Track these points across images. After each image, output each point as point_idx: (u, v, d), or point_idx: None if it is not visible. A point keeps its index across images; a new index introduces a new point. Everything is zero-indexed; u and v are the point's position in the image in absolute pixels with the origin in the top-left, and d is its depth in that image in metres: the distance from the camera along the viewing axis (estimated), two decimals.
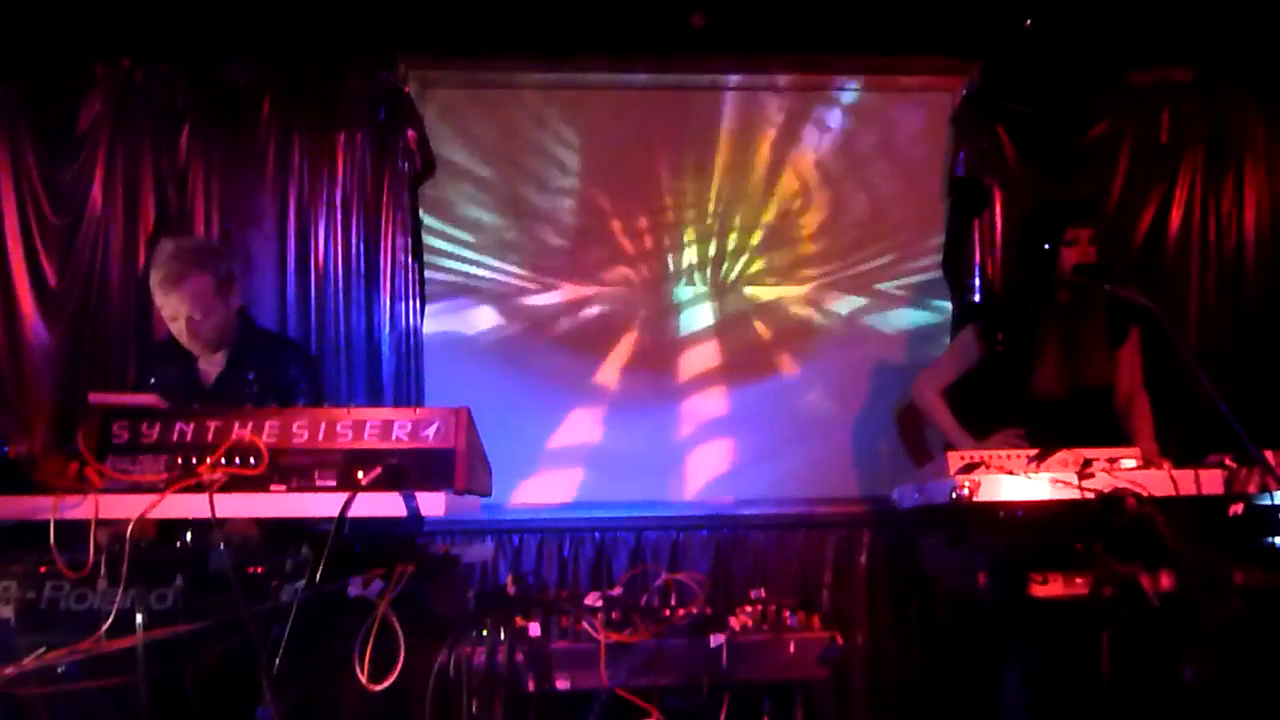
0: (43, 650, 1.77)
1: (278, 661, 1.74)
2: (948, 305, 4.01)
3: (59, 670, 1.85)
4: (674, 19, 3.68)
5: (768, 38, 3.86)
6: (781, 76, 4.02)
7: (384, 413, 1.93)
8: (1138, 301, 2.86)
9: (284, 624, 1.74)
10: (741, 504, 3.88)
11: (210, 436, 1.90)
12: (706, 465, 3.93)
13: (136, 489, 1.82)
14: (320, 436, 1.90)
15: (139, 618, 1.79)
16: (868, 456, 3.94)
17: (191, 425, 1.91)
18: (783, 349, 3.99)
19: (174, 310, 2.74)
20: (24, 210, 3.72)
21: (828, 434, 3.96)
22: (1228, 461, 2.34)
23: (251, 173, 3.80)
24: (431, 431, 1.90)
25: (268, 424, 1.90)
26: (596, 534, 3.79)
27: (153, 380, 2.88)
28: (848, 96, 4.07)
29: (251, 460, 1.85)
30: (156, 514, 1.78)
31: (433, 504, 1.82)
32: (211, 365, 2.88)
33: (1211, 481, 2.32)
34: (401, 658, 1.81)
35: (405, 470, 1.85)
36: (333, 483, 1.85)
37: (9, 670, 1.75)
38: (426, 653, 2.18)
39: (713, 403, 3.96)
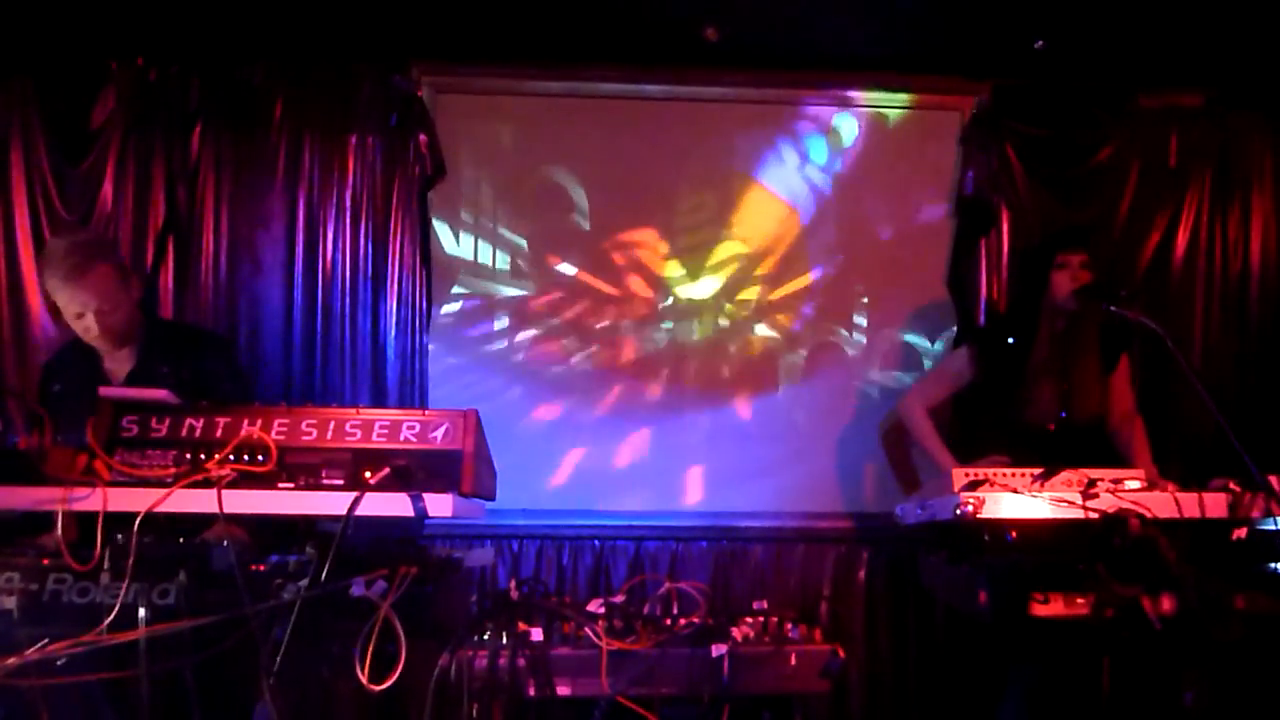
0: (44, 643, 1.77)
1: (278, 660, 1.74)
2: (952, 325, 4.01)
3: (59, 663, 1.85)
4: (687, 33, 3.70)
5: (779, 53, 3.89)
6: (791, 92, 4.04)
7: (393, 413, 1.94)
8: (1141, 323, 2.86)
9: (285, 623, 1.74)
10: (741, 516, 3.87)
11: (219, 433, 1.91)
12: (707, 477, 3.93)
13: (144, 483, 1.82)
14: (329, 435, 1.91)
15: (141, 612, 1.79)
16: (869, 473, 3.94)
17: (201, 421, 1.92)
18: (786, 364, 4.00)
19: (81, 304, 2.63)
20: (35, 205, 3.73)
21: (828, 450, 3.96)
22: (1232, 486, 2.34)
23: (262, 174, 3.82)
24: (440, 433, 1.91)
25: (277, 421, 1.91)
26: (596, 542, 3.79)
27: (56, 388, 2.78)
28: (858, 113, 4.08)
29: (260, 457, 1.86)
30: (164, 509, 1.78)
31: (440, 505, 1.82)
32: (118, 363, 2.79)
33: (1216, 505, 2.32)
34: (402, 659, 1.81)
35: (413, 471, 1.85)
36: (340, 481, 1.86)
37: (10, 661, 1.75)
38: (427, 655, 2.18)
39: (714, 416, 3.96)
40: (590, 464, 3.90)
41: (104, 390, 1.97)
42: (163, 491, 1.78)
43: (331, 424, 1.92)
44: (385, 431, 1.91)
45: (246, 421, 1.91)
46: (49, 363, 2.99)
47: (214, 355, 2.86)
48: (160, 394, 1.96)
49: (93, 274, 2.62)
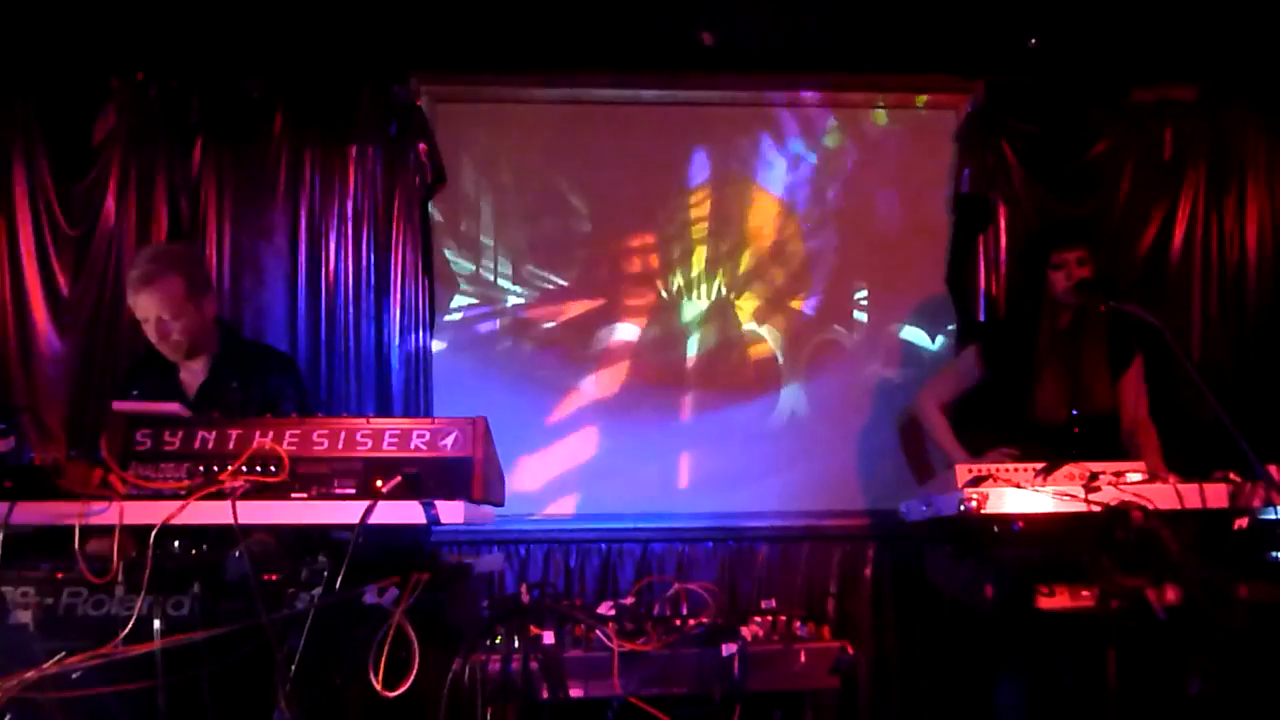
0: (60, 656, 1.79)
1: (293, 669, 1.76)
2: (952, 322, 4.04)
3: (74, 677, 1.87)
4: (683, 37, 3.72)
5: (775, 56, 3.91)
6: (788, 94, 4.07)
7: (403, 422, 1.96)
8: (1141, 317, 2.87)
9: (300, 632, 1.76)
10: (747, 516, 3.90)
11: (232, 444, 1.93)
12: (712, 478, 3.95)
13: (159, 496, 1.84)
14: (340, 445, 1.93)
15: (156, 624, 1.81)
16: (873, 471, 3.96)
17: (213, 433, 1.94)
18: (788, 364, 4.02)
19: (145, 311, 2.75)
20: (38, 221, 3.76)
21: (833, 448, 3.98)
22: (1232, 476, 2.36)
23: (263, 186, 3.84)
24: (449, 441, 1.93)
25: (288, 432, 1.93)
26: (603, 545, 3.81)
27: (134, 392, 2.87)
28: (854, 114, 4.11)
29: (272, 468, 1.88)
30: (179, 521, 1.80)
31: (451, 512, 1.84)
32: (193, 375, 2.89)
33: (1216, 496, 2.34)
34: (416, 665, 1.83)
35: (423, 479, 1.87)
36: (352, 491, 1.88)
37: (27, 675, 1.76)
38: (440, 661, 2.20)
39: (719, 416, 3.98)
40: (596, 467, 3.92)
41: (117, 404, 1.99)
42: (178, 504, 1.80)
43: (342, 434, 1.94)
44: (396, 440, 1.93)
45: (258, 433, 1.93)
46: (131, 367, 3.14)
47: (280, 374, 2.95)
48: (172, 407, 1.99)
49: (160, 284, 2.72)
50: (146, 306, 2.75)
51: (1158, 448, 3.19)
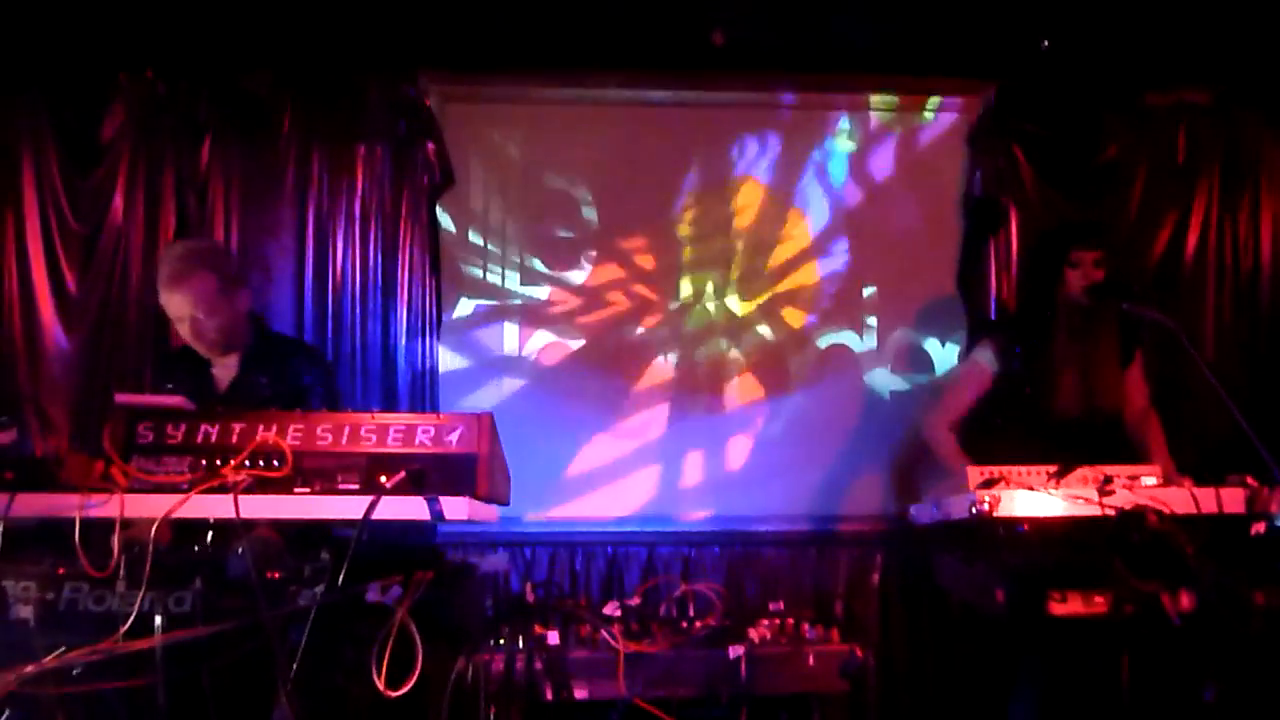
0: (61, 651, 1.78)
1: (294, 666, 1.74)
2: (962, 325, 4.00)
3: (75, 672, 1.85)
4: (693, 37, 3.70)
5: (784, 56, 3.89)
6: (799, 95, 4.05)
7: (407, 417, 1.94)
8: (1156, 319, 2.85)
9: (301, 629, 1.74)
10: (753, 520, 3.87)
11: (235, 438, 1.90)
12: (718, 481, 3.92)
13: (161, 489, 1.82)
14: (344, 440, 1.91)
15: (158, 620, 1.79)
16: (881, 475, 3.93)
17: (216, 427, 1.92)
18: (796, 366, 3.99)
19: (178, 309, 2.72)
20: (46, 218, 3.74)
21: (840, 452, 3.95)
22: (1249, 481, 2.32)
23: (271, 184, 3.83)
24: (455, 437, 1.91)
25: (292, 427, 1.91)
26: (609, 548, 3.79)
27: (169, 386, 2.85)
28: (864, 115, 4.09)
29: (275, 463, 1.86)
30: (181, 514, 1.78)
31: (455, 508, 1.82)
32: (225, 370, 2.88)
33: (1233, 500, 2.31)
34: (419, 664, 1.80)
35: (428, 475, 1.85)
36: (356, 486, 1.85)
37: (26, 670, 1.75)
38: (444, 660, 2.18)
39: (725, 419, 3.96)
40: (602, 469, 3.90)
41: (120, 396, 1.98)
42: (179, 497, 1.78)
43: (347, 429, 1.92)
44: (400, 435, 1.91)
45: (262, 427, 1.91)
46: (166, 358, 3.15)
47: (310, 371, 2.91)
48: (176, 400, 1.97)
49: (192, 281, 2.69)
50: (180, 305, 2.71)
51: (1163, 438, 3.18)
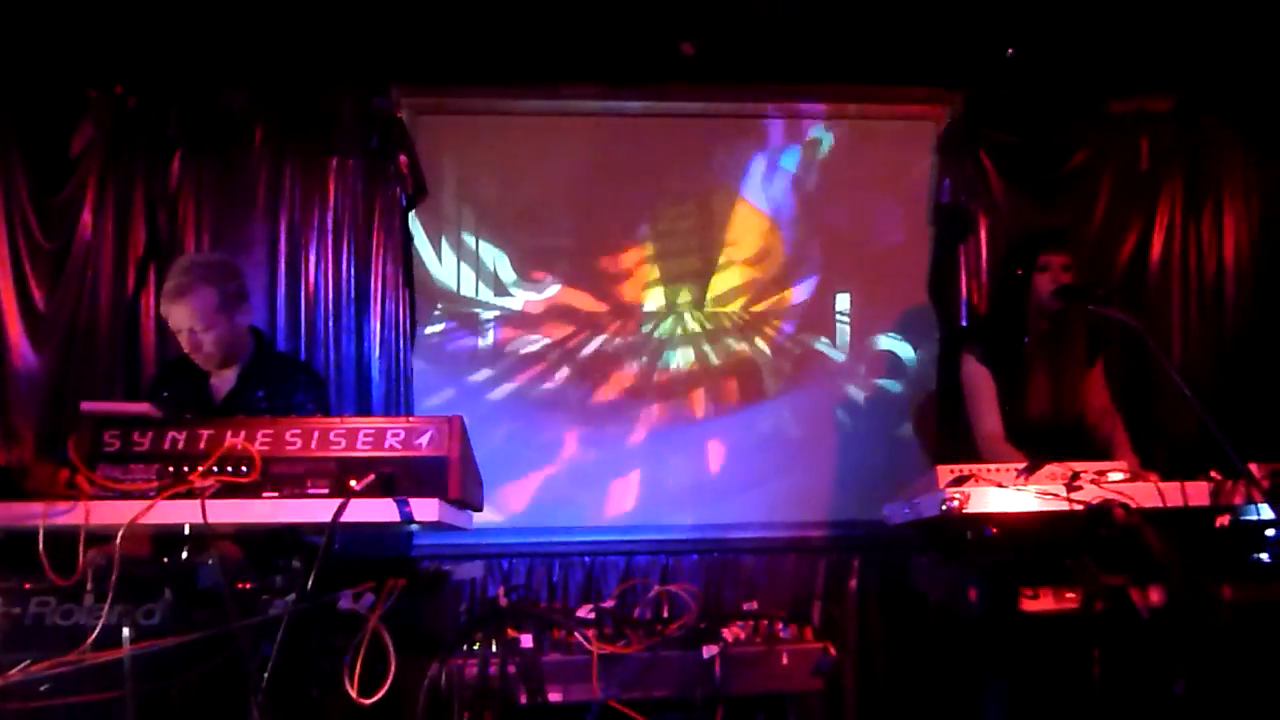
0: (26, 664, 1.75)
1: (266, 677, 1.72)
2: (935, 331, 4.04)
3: (42, 688, 1.82)
4: (664, 48, 3.74)
5: (756, 66, 3.93)
6: (769, 105, 4.09)
7: (377, 421, 1.92)
8: (1122, 320, 2.89)
9: (273, 639, 1.72)
10: (731, 528, 3.88)
11: (202, 445, 1.89)
12: (696, 489, 3.93)
13: (126, 496, 1.81)
14: (313, 445, 1.89)
15: (125, 632, 1.77)
16: (857, 481, 3.94)
17: (184, 434, 1.90)
18: (771, 375, 4.02)
19: (177, 321, 2.80)
20: (14, 234, 3.72)
21: (817, 459, 3.98)
22: (1213, 474, 2.35)
23: (243, 199, 3.82)
24: (425, 440, 1.90)
25: (260, 432, 1.89)
26: (586, 558, 3.78)
27: (165, 395, 2.92)
28: (835, 125, 4.13)
29: (244, 468, 1.84)
30: (147, 520, 1.76)
31: (426, 510, 1.81)
32: (222, 382, 2.93)
33: (1198, 494, 2.33)
34: (392, 672, 1.79)
35: (398, 478, 1.84)
36: (325, 490, 1.84)
37: None
38: (417, 666, 2.16)
39: (701, 428, 3.97)
40: (579, 480, 3.90)
41: (85, 405, 1.96)
42: (145, 504, 1.76)
43: (316, 433, 1.90)
44: (370, 439, 1.90)
45: (230, 433, 1.89)
46: (165, 366, 3.25)
47: (306, 389, 2.95)
48: (142, 408, 1.95)
49: (192, 296, 2.76)
50: (179, 318, 2.79)
51: (1126, 435, 3.20)
